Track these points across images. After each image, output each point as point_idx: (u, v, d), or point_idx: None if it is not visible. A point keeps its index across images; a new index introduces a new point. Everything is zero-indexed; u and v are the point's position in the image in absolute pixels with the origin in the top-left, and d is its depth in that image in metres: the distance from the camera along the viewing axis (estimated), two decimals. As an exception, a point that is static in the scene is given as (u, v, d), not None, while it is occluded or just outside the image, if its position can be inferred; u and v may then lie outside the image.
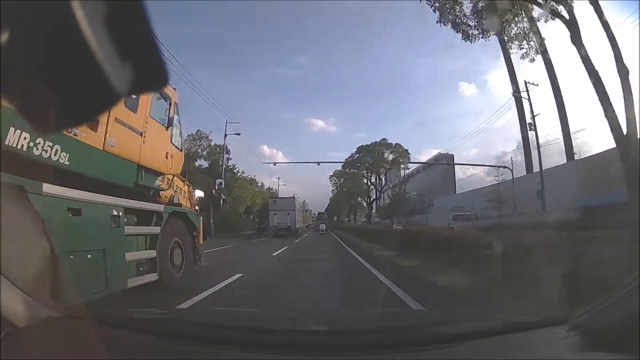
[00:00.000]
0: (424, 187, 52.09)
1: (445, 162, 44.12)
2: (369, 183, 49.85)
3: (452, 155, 49.28)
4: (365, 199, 52.86)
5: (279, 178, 55.99)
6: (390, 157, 45.25)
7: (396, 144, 44.85)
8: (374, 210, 54.69)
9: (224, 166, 33.92)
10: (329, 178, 54.21)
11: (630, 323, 0.93)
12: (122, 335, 1.22)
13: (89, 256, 3.34)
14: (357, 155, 45.85)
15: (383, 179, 50.93)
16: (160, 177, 5.63)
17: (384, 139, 44.92)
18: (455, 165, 46.96)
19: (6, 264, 2.12)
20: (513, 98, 29.85)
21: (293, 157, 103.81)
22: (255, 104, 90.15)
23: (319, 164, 39.32)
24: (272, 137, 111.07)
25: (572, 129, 29.38)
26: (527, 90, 25.61)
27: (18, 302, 1.17)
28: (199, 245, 6.24)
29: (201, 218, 6.58)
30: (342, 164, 40.43)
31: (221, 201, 12.67)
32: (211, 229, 7.42)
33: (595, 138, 47.21)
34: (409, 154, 45.26)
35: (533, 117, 25.34)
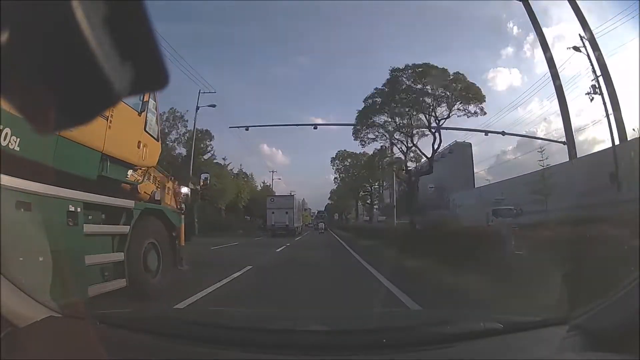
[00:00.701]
0: (435, 180, 43.18)
1: (483, 130, 28.13)
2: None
3: (470, 143, 41.06)
4: (376, 185, 42.83)
5: (273, 172, 51.91)
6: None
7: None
8: (375, 209, 50.49)
9: (206, 154, 30.25)
10: (331, 161, 43.05)
11: (630, 323, 0.93)
12: (122, 335, 1.22)
13: (41, 259, 2.82)
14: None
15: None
16: (134, 170, 4.98)
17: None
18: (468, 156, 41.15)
19: (6, 264, 2.12)
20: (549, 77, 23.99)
21: (293, 157, 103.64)
22: (255, 103, 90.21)
23: (315, 127, 33.45)
24: (272, 137, 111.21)
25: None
26: (585, 46, 19.68)
27: (18, 302, 1.17)
28: (180, 247, 5.61)
29: (183, 217, 5.95)
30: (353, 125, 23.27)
31: (198, 197, 11.57)
32: (195, 228, 6.63)
33: (595, 137, 46.38)
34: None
35: (596, 77, 19.03)
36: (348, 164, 40.81)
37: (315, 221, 58.07)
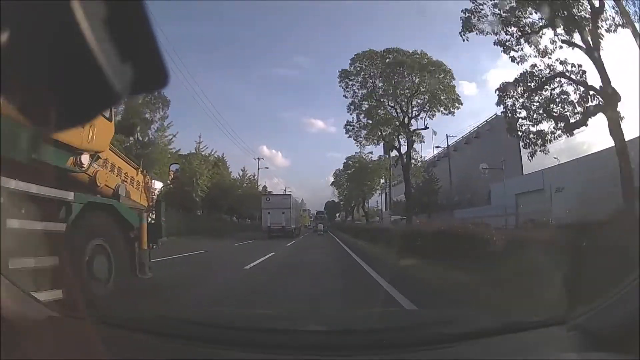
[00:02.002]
0: (460, 170, 35.42)
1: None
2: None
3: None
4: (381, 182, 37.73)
5: (259, 159, 43.52)
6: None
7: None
8: (379, 208, 46.87)
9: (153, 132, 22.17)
10: (332, 184, 44.64)
11: (630, 323, 0.93)
12: (122, 335, 1.22)
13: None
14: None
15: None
16: (81, 155, 4.01)
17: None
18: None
19: (6, 263, 2.11)
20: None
21: (293, 158, 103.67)
22: (255, 104, 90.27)
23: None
24: (272, 138, 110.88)
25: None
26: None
27: (18, 302, 1.17)
28: (142, 252, 4.74)
29: (145, 215, 5.09)
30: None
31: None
32: (162, 229, 5.49)
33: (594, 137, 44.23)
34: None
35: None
36: (351, 172, 37.83)
37: (315, 222, 54.55)
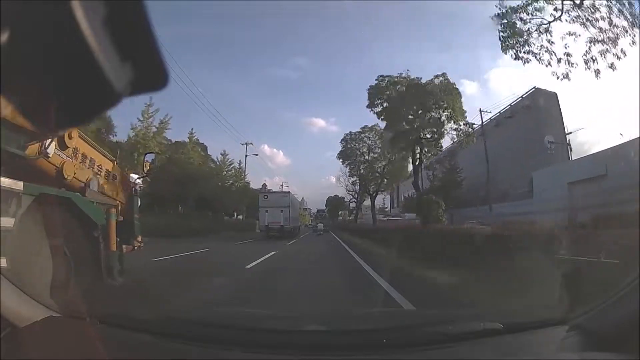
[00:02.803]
0: (490, 157, 26.90)
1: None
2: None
3: (555, 93, 25.47)
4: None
5: (246, 144, 36.59)
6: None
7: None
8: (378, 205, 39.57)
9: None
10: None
11: (630, 323, 0.93)
12: (122, 335, 1.22)
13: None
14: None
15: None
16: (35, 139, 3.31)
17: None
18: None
19: (6, 264, 2.11)
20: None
21: (294, 157, 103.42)
22: (256, 104, 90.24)
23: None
24: (273, 137, 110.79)
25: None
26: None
27: (18, 302, 1.17)
28: (110, 254, 4.13)
29: (114, 211, 4.47)
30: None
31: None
32: (135, 228, 4.95)
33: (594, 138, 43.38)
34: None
35: None
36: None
37: (315, 221, 52.33)
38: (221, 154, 32.92)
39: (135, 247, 5.06)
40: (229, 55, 77.80)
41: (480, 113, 26.68)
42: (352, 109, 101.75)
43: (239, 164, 35.35)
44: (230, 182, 32.98)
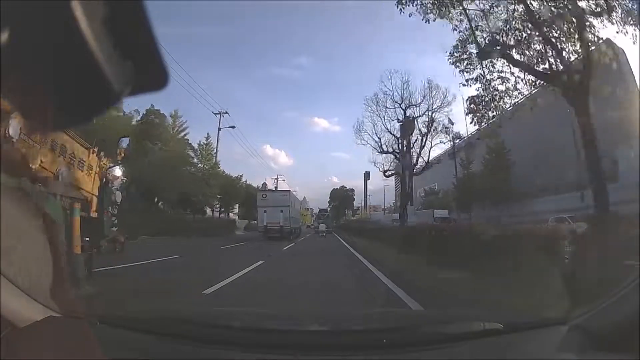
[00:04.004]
0: (537, 137, 21.25)
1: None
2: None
3: (621, 48, 12.66)
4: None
5: (220, 113, 30.04)
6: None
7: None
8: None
9: None
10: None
11: (630, 323, 0.93)
12: (122, 335, 1.22)
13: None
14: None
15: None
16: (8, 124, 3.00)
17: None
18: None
19: (6, 264, 2.10)
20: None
21: (296, 156, 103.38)
22: (258, 103, 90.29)
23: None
24: (275, 137, 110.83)
25: None
26: None
27: (18, 302, 1.17)
28: (73, 257, 3.49)
29: (78, 206, 3.85)
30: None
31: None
32: (104, 227, 4.40)
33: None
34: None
35: None
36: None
37: (317, 222, 46.31)
38: (205, 138, 28.17)
39: (117, 249, 4.53)
40: (230, 55, 78.01)
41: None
42: (356, 109, 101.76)
43: (207, 140, 29.08)
44: (199, 165, 27.56)
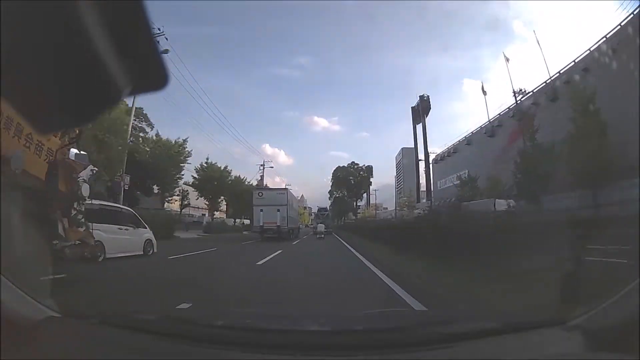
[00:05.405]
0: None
1: None
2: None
3: None
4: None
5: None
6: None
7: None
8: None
9: None
10: None
11: (630, 323, 0.93)
12: (122, 335, 1.22)
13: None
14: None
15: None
16: None
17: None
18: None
19: (6, 264, 2.10)
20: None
21: (295, 156, 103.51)
22: (258, 103, 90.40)
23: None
24: (275, 137, 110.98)
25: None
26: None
27: (18, 302, 1.17)
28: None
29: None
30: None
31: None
32: (58, 226, 3.82)
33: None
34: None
35: None
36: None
37: (316, 221, 42.31)
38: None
39: (87, 254, 3.77)
40: (230, 55, 78.02)
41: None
42: (355, 109, 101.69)
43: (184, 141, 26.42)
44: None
